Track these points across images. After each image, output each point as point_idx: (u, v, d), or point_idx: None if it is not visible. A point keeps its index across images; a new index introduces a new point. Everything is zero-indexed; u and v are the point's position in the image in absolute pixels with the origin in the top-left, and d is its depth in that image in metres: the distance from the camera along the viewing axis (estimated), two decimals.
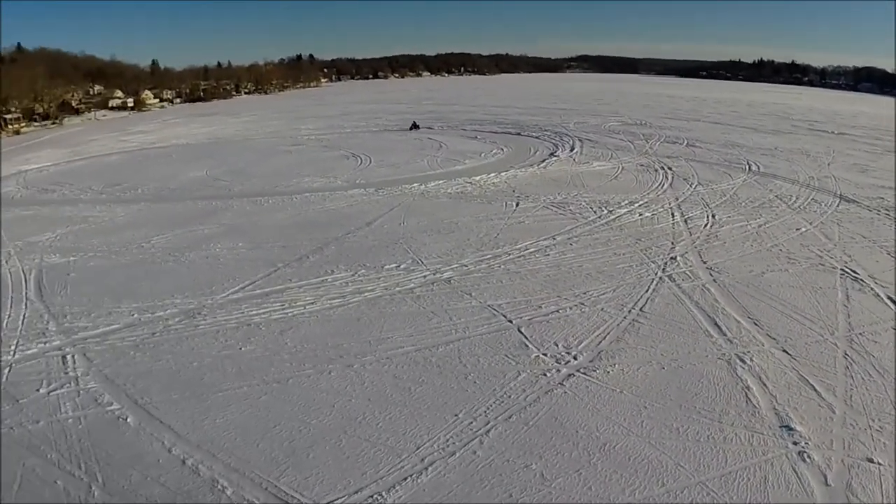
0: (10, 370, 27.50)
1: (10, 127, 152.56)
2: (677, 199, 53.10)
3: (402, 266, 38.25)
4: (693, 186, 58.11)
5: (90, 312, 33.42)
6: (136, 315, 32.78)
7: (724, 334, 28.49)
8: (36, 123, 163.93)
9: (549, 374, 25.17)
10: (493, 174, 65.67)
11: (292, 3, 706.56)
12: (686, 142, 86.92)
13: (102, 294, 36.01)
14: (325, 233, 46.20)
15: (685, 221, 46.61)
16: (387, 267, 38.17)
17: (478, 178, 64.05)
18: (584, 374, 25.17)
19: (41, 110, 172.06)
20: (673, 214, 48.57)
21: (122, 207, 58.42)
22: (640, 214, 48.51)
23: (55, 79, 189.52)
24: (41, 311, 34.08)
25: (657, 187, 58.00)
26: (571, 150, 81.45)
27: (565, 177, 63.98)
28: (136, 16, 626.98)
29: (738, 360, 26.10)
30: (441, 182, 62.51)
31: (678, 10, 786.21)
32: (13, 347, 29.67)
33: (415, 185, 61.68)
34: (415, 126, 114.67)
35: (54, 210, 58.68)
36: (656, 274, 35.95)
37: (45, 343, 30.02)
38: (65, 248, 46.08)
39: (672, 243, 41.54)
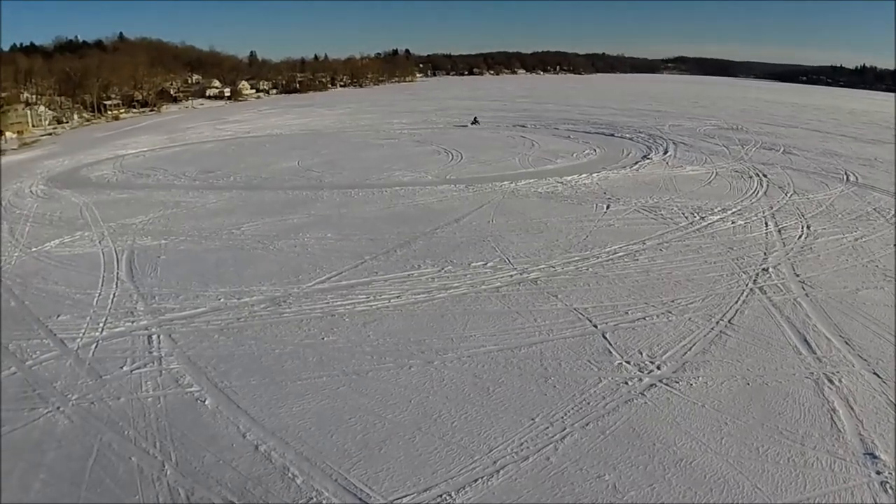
0: (96, 346, 28.57)
1: (109, 113, 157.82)
2: (771, 208, 51.82)
3: (488, 264, 38.25)
4: (788, 195, 56.62)
5: (178, 295, 34.52)
6: (222, 300, 33.71)
7: (814, 352, 27.69)
8: (135, 110, 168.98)
9: (630, 383, 24.89)
10: (584, 175, 65.24)
11: (391, 2, 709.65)
12: (783, 149, 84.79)
13: (191, 277, 37.11)
14: (413, 227, 46.52)
15: (779, 231, 45.45)
16: (474, 264, 38.24)
17: (569, 178, 63.70)
18: (667, 385, 24.80)
19: (140, 97, 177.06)
20: (766, 223, 47.41)
21: (214, 194, 59.96)
22: (733, 222, 47.51)
23: (155, 67, 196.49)
24: (131, 290, 35.32)
25: (751, 195, 56.70)
26: (665, 153, 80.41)
27: (658, 180, 63.15)
28: (237, 8, 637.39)
29: (826, 381, 25.35)
30: (532, 181, 62.38)
31: (778, 11, 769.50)
32: (101, 324, 30.78)
33: (505, 182, 61.65)
34: (475, 120, 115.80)
35: (148, 194, 60.57)
36: (747, 285, 35.14)
37: (132, 322, 31.14)
38: (157, 231, 47.60)
39: (765, 254, 40.57)
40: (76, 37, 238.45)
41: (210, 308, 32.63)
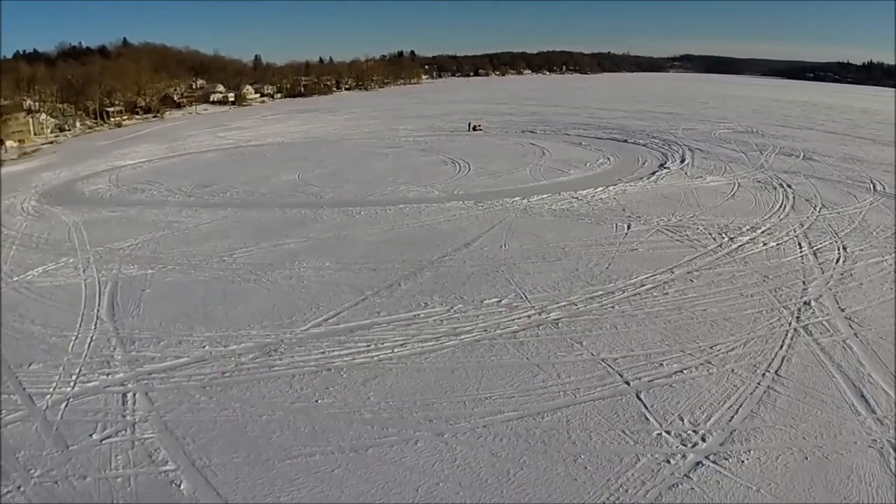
0: (66, 405, 25.37)
1: (112, 119, 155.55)
2: (802, 225, 48.25)
3: (503, 301, 34.50)
4: (817, 209, 53.08)
5: (160, 339, 31.10)
6: (207, 347, 30.23)
7: (873, 411, 23.97)
8: (138, 117, 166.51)
9: (673, 461, 21.17)
10: (600, 188, 61.53)
11: (395, 3, 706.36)
12: (802, 154, 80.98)
13: (176, 317, 33.68)
14: (419, 254, 42.89)
15: (814, 254, 41.83)
16: (486, 302, 34.48)
17: (584, 192, 59.98)
18: (715, 463, 21.07)
19: (143, 104, 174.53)
20: (800, 244, 43.82)
21: (208, 213, 56.65)
22: (765, 244, 43.86)
23: (159, 73, 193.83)
24: (110, 333, 32.02)
25: (778, 209, 53.14)
26: (682, 161, 76.70)
27: (678, 193, 59.48)
28: (242, 12, 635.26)
29: (890, 450, 21.69)
30: (545, 196, 58.59)
31: (783, 8, 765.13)
32: (74, 377, 27.50)
33: (517, 198, 57.92)
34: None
35: (140, 213, 57.47)
36: (790, 324, 31.43)
37: (107, 375, 27.76)
38: (144, 257, 44.39)
39: (803, 282, 36.91)
40: (80, 43, 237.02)
41: (193, 358, 29.11)
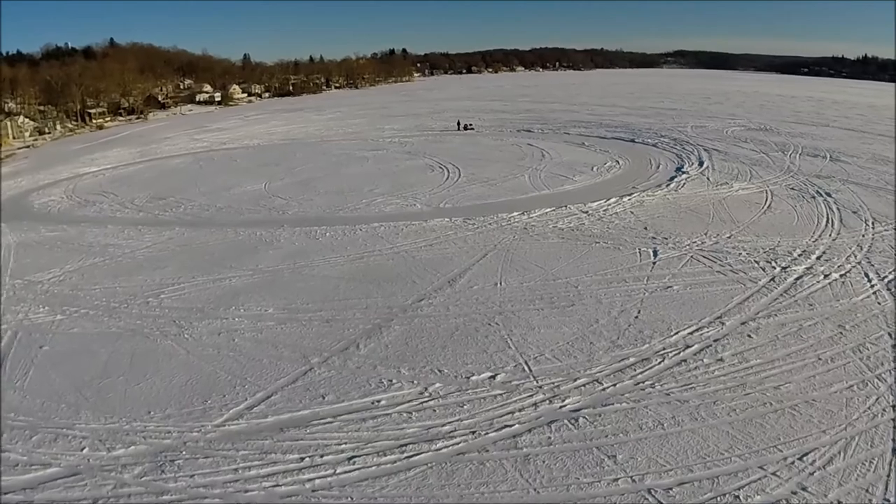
0: None
1: (94, 122, 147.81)
2: (860, 248, 38.66)
3: (498, 377, 24.41)
4: (869, 225, 43.58)
5: (34, 432, 22.07)
6: (86, 449, 20.94)
7: None
8: (121, 118, 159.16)
9: None
10: (613, 199, 51.40)
11: (387, 1, 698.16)
12: (828, 155, 70.92)
13: (64, 393, 24.63)
14: (389, 295, 33.05)
15: (888, 289, 32.21)
16: (474, 378, 24.37)
17: (595, 204, 49.92)
18: None
19: (127, 105, 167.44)
20: (867, 275, 34.21)
21: (152, 234, 47.39)
22: (826, 275, 34.13)
23: (145, 73, 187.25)
24: None
25: (826, 226, 43.52)
26: (700, 164, 66.37)
27: (705, 205, 49.52)
28: (231, 10, 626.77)
29: None
30: (548, 210, 48.49)
31: (776, 6, 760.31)
32: None
33: (515, 213, 47.80)
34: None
35: (80, 233, 48.85)
36: (894, 407, 21.75)
37: None
38: (61, 295, 35.52)
39: (890, 335, 27.19)
40: (66, 44, 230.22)
41: (64, 468, 19.97)
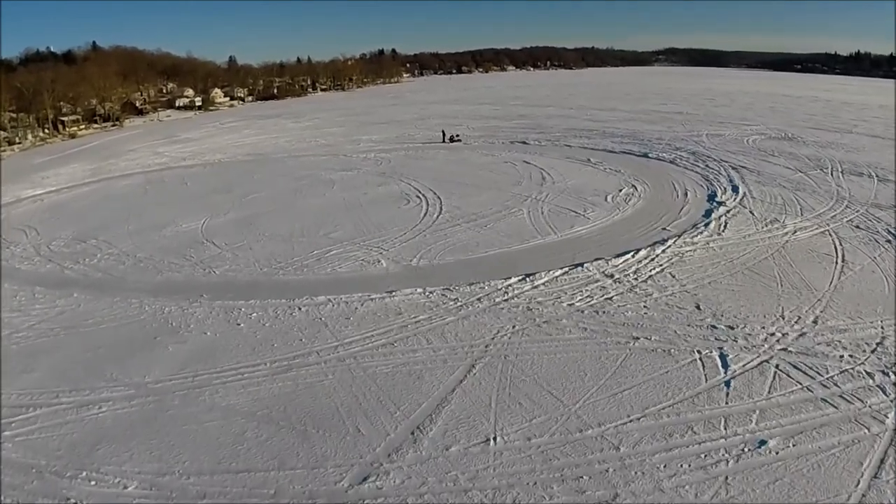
0: None
1: (67, 130, 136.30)
2: None
3: None
4: None
5: None
6: None
7: None
8: (96, 125, 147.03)
9: None
10: (642, 252, 37.65)
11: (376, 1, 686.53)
12: (873, 174, 57.46)
13: None
14: (315, 464, 19.56)
15: None
16: None
17: (619, 261, 36.19)
18: None
19: (102, 111, 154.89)
20: None
21: (45, 303, 34.92)
22: None
23: (128, 77, 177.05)
24: None
25: None
26: (734, 189, 52.35)
27: (764, 259, 35.95)
28: (217, 11, 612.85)
29: None
30: (559, 274, 34.62)
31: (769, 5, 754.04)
32: None
33: (512, 280, 34.00)
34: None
35: None
36: None
37: None
38: None
39: None
40: (47, 48, 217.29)
41: None
